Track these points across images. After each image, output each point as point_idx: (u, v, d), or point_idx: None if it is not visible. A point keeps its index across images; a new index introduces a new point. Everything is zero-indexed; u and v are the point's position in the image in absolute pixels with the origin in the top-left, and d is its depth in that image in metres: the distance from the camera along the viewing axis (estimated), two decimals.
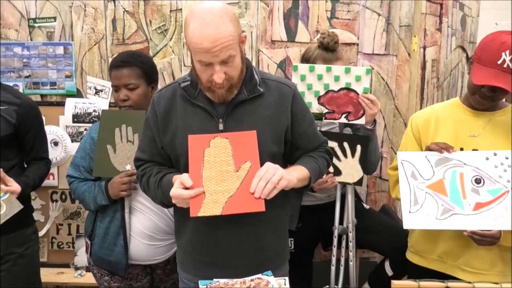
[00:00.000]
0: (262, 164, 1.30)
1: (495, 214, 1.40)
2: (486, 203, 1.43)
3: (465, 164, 1.49)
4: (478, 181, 1.47)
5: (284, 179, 1.26)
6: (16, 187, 1.71)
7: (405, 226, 1.47)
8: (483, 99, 1.51)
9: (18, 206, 1.71)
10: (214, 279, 1.36)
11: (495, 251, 1.51)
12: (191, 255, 1.47)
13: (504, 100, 1.62)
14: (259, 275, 1.36)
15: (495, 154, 1.48)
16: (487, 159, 1.48)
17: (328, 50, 1.98)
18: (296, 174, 1.35)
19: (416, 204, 1.47)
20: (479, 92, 1.50)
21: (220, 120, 1.36)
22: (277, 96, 1.39)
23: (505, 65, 1.43)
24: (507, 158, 1.45)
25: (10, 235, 1.79)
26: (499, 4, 3.84)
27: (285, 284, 1.37)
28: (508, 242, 1.47)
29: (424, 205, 1.46)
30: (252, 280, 1.34)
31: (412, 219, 1.45)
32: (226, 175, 1.29)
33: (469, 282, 0.83)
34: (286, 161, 1.49)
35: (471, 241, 1.49)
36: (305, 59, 2.05)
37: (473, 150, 1.54)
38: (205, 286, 1.32)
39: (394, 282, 0.87)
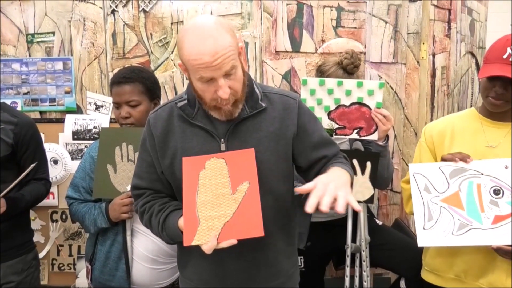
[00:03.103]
0: (264, 183, 1.22)
1: None
2: (506, 216, 1.36)
3: (482, 174, 1.43)
4: (497, 192, 1.40)
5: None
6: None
7: (420, 244, 1.41)
8: (497, 100, 1.45)
9: None
10: None
11: None
12: (197, 286, 1.38)
13: None
14: None
15: None
16: (506, 167, 1.41)
17: (346, 72, 1.91)
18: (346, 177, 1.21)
19: (430, 219, 1.41)
20: (491, 93, 1.45)
21: (222, 140, 1.28)
22: (281, 110, 1.31)
23: (511, 59, 1.40)
24: None
25: (9, 263, 1.72)
26: (507, 8, 3.79)
27: None
28: None
29: (439, 220, 1.40)
30: None
31: (427, 236, 1.39)
32: (222, 198, 1.21)
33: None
34: (304, 177, 1.40)
35: (493, 258, 1.41)
36: (320, 71, 1.98)
37: None
38: None
39: None
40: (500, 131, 1.50)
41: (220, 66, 1.14)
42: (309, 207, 1.04)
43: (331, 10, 2.37)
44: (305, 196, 1.31)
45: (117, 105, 1.77)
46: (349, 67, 1.89)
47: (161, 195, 1.37)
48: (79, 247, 2.48)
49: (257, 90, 1.31)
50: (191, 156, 1.27)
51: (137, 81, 1.74)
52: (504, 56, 1.41)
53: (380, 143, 1.84)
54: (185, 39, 1.15)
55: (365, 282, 1.85)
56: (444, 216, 1.40)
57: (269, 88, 1.38)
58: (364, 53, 2.40)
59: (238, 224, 1.16)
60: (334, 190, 1.06)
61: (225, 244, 1.13)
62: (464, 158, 1.46)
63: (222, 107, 1.22)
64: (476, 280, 1.49)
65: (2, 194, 1.64)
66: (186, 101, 1.30)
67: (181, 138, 1.30)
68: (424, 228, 1.40)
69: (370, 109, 1.80)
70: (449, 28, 2.50)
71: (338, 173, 1.20)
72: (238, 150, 1.25)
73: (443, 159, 1.50)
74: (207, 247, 1.13)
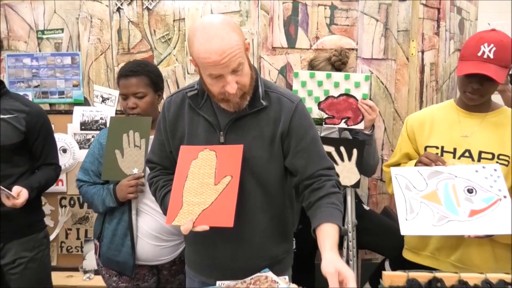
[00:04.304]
0: (256, 176, 1.33)
1: (490, 220, 1.42)
2: (480, 210, 1.44)
3: (456, 176, 1.52)
4: (470, 191, 1.49)
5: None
6: (21, 200, 1.75)
7: (403, 233, 1.47)
8: (473, 94, 1.55)
9: None
10: (218, 282, 1.41)
11: (487, 248, 1.55)
12: (194, 254, 1.53)
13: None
14: (258, 274, 1.40)
15: (483, 167, 1.51)
16: (477, 171, 1.51)
17: (333, 67, 2.04)
18: (335, 246, 1.24)
19: (412, 212, 1.48)
20: (468, 88, 1.55)
21: (221, 132, 1.38)
22: (278, 111, 1.37)
23: (485, 56, 1.48)
24: (495, 170, 1.48)
25: (22, 240, 1.85)
26: (497, 7, 3.88)
27: (286, 279, 1.42)
28: (502, 239, 1.51)
29: (420, 213, 1.48)
30: (251, 278, 1.39)
31: (409, 225, 1.46)
32: (205, 187, 1.32)
33: (456, 273, 0.87)
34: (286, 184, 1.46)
35: (462, 239, 1.52)
36: (311, 65, 2.11)
37: (466, 149, 1.58)
38: None
39: (385, 273, 0.91)
40: (474, 121, 1.61)
41: (228, 64, 1.21)
42: None
43: (325, 8, 2.50)
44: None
45: (124, 97, 1.88)
46: (337, 64, 2.03)
47: (169, 171, 1.50)
48: (86, 230, 2.63)
49: (260, 89, 1.36)
50: (196, 141, 1.39)
51: (143, 74, 1.85)
52: (479, 54, 1.49)
53: (366, 132, 1.97)
54: (194, 39, 1.23)
55: (350, 261, 1.99)
56: (424, 209, 1.48)
57: (273, 87, 1.42)
58: (356, 50, 2.52)
59: (213, 213, 1.28)
60: None
61: (199, 228, 1.26)
62: (437, 160, 1.55)
63: (230, 99, 1.30)
64: (448, 258, 1.62)
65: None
66: (196, 91, 1.40)
67: (189, 124, 1.41)
68: (406, 219, 1.48)
69: (357, 100, 1.93)
70: (438, 27, 2.61)
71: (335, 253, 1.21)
72: (228, 145, 1.36)
73: (419, 161, 1.59)
74: (184, 228, 1.27)
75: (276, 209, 1.46)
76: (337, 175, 1.43)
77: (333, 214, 1.29)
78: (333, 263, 1.15)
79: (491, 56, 1.48)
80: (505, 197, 1.42)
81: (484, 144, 1.57)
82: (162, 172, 1.51)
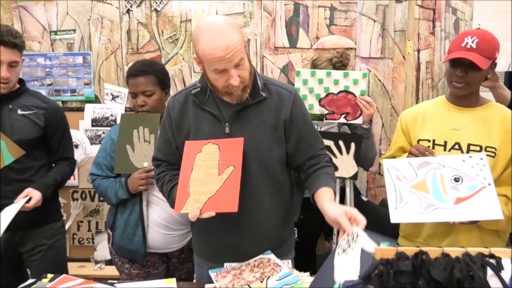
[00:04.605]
0: (261, 162, 1.45)
1: (474, 206, 1.51)
2: (465, 198, 1.53)
3: (444, 166, 1.61)
4: (456, 179, 1.57)
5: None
6: (32, 203, 1.83)
7: (393, 220, 1.57)
8: (459, 83, 1.65)
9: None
10: (225, 264, 1.52)
11: (475, 234, 1.65)
12: (204, 242, 1.64)
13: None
14: (260, 256, 1.52)
15: (470, 157, 1.60)
16: (464, 161, 1.60)
17: (334, 68, 2.16)
18: (334, 201, 1.43)
19: (401, 201, 1.57)
20: (454, 77, 1.65)
21: (226, 124, 1.50)
22: (278, 101, 1.51)
23: (468, 46, 1.60)
24: (481, 159, 1.58)
25: (41, 228, 1.96)
26: (495, 7, 3.97)
27: (288, 264, 1.53)
28: (488, 225, 1.62)
29: (408, 202, 1.56)
30: (255, 260, 1.51)
31: (399, 213, 1.56)
32: (210, 177, 1.43)
33: (439, 247, 0.98)
34: (288, 166, 1.60)
35: (453, 226, 1.63)
36: (313, 65, 2.23)
37: (456, 142, 1.68)
38: (215, 274, 1.48)
39: (377, 248, 1.02)
40: (463, 115, 1.71)
41: (231, 59, 1.33)
42: None
43: (325, 9, 2.61)
44: (298, 176, 1.57)
45: (133, 95, 1.97)
46: (337, 65, 2.14)
47: (174, 167, 1.60)
48: (97, 223, 2.75)
49: (259, 82, 1.50)
50: (201, 135, 1.51)
51: (151, 73, 1.95)
52: (462, 45, 1.62)
53: (364, 126, 2.08)
54: (200, 37, 1.35)
55: None
56: (413, 198, 1.56)
57: (270, 80, 1.56)
58: (355, 49, 2.64)
59: (218, 200, 1.39)
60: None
61: (206, 215, 1.37)
62: (425, 151, 1.65)
63: (233, 92, 1.43)
64: (439, 244, 1.71)
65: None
66: (199, 89, 1.52)
67: (194, 120, 1.53)
68: (396, 208, 1.57)
69: (355, 96, 2.05)
70: (434, 27, 2.72)
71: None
72: (230, 139, 1.47)
73: (410, 153, 1.70)
74: (191, 215, 1.37)
75: (280, 192, 1.58)
76: (336, 167, 1.57)
77: (329, 181, 1.49)
78: (337, 208, 1.33)
79: (474, 46, 1.59)
80: (489, 184, 1.51)
81: (473, 137, 1.66)
82: (168, 168, 1.61)
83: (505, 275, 0.95)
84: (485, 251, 1.00)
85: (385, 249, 1.01)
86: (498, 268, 0.95)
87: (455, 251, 0.98)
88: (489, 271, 0.96)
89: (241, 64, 1.38)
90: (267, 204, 1.54)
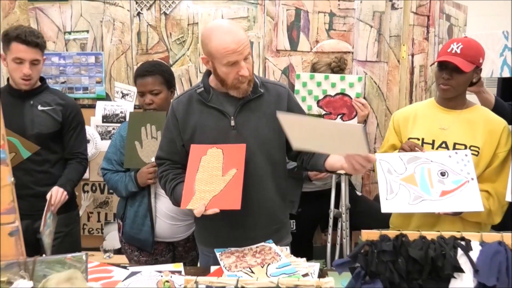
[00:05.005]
0: (264, 151, 1.60)
1: (458, 199, 1.64)
2: (450, 191, 1.66)
3: (431, 161, 1.74)
4: (443, 174, 1.70)
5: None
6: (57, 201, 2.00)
7: (383, 210, 1.70)
8: (445, 85, 1.79)
9: (55, 219, 2.00)
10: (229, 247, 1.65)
11: (459, 226, 1.78)
12: (207, 230, 1.78)
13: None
14: (262, 243, 1.66)
15: (456, 153, 1.73)
16: (450, 156, 1.73)
17: (333, 72, 2.31)
18: None
19: (391, 193, 1.69)
20: (441, 80, 1.79)
21: (232, 117, 1.65)
22: (275, 95, 1.69)
23: (453, 51, 1.75)
24: (466, 155, 1.71)
25: (59, 217, 2.09)
26: (487, 11, 4.10)
27: (287, 250, 1.67)
28: (470, 217, 1.76)
29: (398, 193, 1.69)
30: (257, 247, 1.64)
31: (389, 204, 1.69)
32: (214, 178, 1.57)
33: (418, 231, 1.12)
34: (287, 153, 1.77)
35: (438, 217, 1.77)
36: (313, 68, 2.38)
37: (443, 141, 1.82)
38: (220, 253, 1.62)
39: (363, 231, 1.16)
40: (451, 116, 1.85)
41: (242, 51, 1.52)
42: None
43: (324, 15, 2.74)
44: (295, 168, 1.72)
45: (141, 94, 2.09)
46: (336, 69, 2.30)
47: (177, 166, 1.74)
48: (106, 214, 2.88)
49: (256, 80, 1.69)
50: (207, 130, 1.65)
51: (157, 73, 2.07)
52: (448, 50, 1.77)
53: None
54: (212, 35, 1.53)
55: (344, 239, 2.25)
56: (402, 190, 1.69)
57: (265, 79, 1.76)
58: (352, 53, 2.78)
59: (222, 198, 1.53)
60: None
61: (210, 211, 1.51)
62: (414, 146, 1.79)
63: (240, 86, 1.60)
64: None
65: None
66: (202, 89, 1.68)
67: (200, 117, 1.67)
68: (386, 199, 1.70)
69: (351, 98, 2.20)
70: (428, 32, 2.86)
71: None
72: (233, 144, 1.62)
73: (401, 148, 1.83)
74: (197, 211, 1.52)
75: (280, 178, 1.74)
76: None
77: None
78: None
79: (458, 51, 1.74)
80: (472, 179, 1.65)
81: (459, 137, 1.80)
82: (171, 167, 1.74)
83: (473, 255, 1.10)
84: (457, 234, 1.15)
85: (370, 232, 1.16)
86: (467, 249, 1.10)
87: (431, 234, 1.13)
88: (460, 251, 1.10)
89: (248, 58, 1.57)
90: (268, 187, 1.70)
